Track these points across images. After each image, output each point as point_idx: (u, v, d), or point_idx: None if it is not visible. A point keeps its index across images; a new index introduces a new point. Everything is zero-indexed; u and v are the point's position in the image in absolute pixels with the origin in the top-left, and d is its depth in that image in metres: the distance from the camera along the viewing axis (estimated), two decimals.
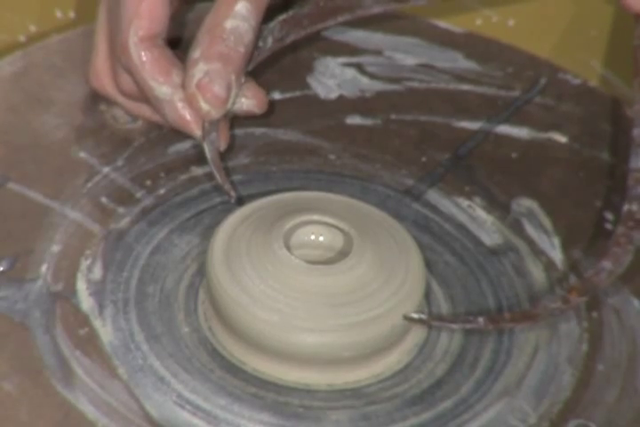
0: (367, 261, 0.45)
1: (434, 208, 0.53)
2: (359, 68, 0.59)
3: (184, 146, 0.54)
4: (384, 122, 0.57)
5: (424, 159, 0.55)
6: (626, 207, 0.48)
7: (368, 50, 0.60)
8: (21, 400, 0.43)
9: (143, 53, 0.48)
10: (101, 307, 0.46)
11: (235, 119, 0.52)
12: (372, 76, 0.59)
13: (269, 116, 0.54)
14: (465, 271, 0.50)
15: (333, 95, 0.58)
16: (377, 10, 0.53)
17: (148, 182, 0.52)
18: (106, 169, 0.52)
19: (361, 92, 0.58)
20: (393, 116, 0.57)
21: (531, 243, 0.52)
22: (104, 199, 0.51)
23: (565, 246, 0.52)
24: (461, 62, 0.60)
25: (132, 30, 0.48)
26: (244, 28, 0.48)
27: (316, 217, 0.47)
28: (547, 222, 0.53)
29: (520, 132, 0.57)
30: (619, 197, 0.54)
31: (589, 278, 0.46)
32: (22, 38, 0.59)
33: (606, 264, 0.46)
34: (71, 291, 0.47)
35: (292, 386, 0.45)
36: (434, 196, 0.53)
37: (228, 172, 0.52)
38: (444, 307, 0.49)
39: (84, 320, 0.46)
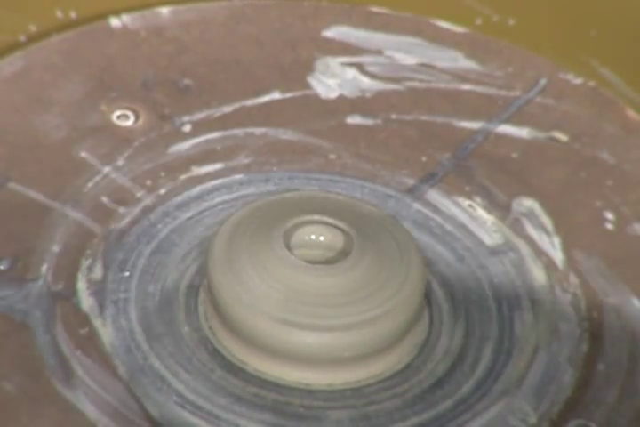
0: (367, 261, 0.45)
1: (434, 208, 0.53)
2: (359, 67, 0.59)
3: (184, 146, 0.54)
4: (384, 122, 0.57)
5: (424, 159, 0.55)
6: None
7: (368, 49, 0.60)
8: (21, 400, 0.43)
9: None
10: (102, 307, 0.46)
11: (234, 119, 0.52)
12: (373, 76, 0.59)
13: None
14: (465, 271, 0.50)
15: (334, 95, 0.58)
16: None
17: (149, 182, 0.52)
18: (106, 169, 0.52)
19: (361, 92, 0.58)
20: (393, 116, 0.57)
21: (531, 243, 0.52)
22: (104, 199, 0.51)
23: (566, 246, 0.52)
24: (462, 62, 0.60)
25: None
26: None
27: (316, 217, 0.47)
28: (547, 222, 0.53)
29: (520, 131, 0.57)
30: (619, 197, 0.54)
31: None
32: (22, 38, 0.59)
33: None
34: (71, 291, 0.47)
35: (292, 386, 0.45)
36: (434, 196, 0.53)
37: None
38: (444, 307, 0.49)
39: (85, 320, 0.46)
